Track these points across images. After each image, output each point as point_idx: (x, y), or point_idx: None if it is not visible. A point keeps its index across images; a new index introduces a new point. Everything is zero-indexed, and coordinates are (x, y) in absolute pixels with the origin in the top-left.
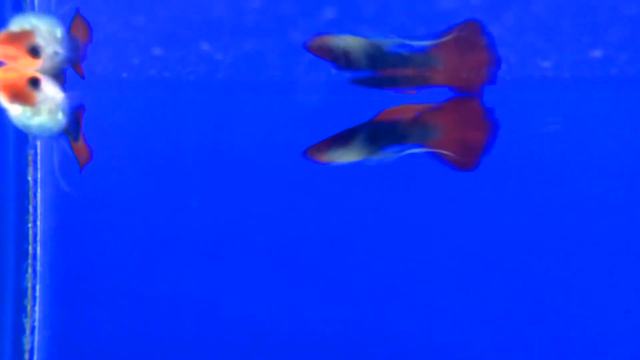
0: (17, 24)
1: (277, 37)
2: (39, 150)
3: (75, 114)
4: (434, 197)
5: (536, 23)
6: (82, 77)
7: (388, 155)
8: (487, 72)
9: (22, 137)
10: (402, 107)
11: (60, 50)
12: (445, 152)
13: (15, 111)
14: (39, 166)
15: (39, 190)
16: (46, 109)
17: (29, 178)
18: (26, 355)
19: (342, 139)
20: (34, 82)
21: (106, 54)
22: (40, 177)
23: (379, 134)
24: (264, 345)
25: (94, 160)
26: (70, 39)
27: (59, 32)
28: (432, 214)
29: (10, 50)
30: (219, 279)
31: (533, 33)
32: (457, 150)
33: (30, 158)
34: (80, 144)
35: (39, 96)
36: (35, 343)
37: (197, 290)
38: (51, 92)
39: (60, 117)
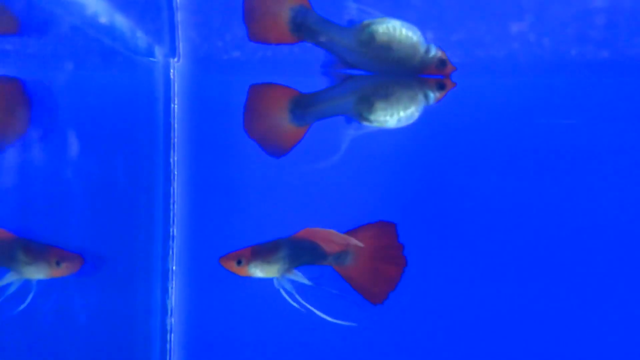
0: (434, 48)
1: None
2: (176, 134)
3: None
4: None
5: None
6: None
7: (297, 276)
8: None
9: (167, 123)
10: (326, 232)
11: None
12: (356, 280)
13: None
14: (176, 149)
15: (176, 173)
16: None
17: (171, 161)
18: (168, 336)
19: (264, 252)
20: (441, 86)
21: None
22: (177, 160)
23: (300, 251)
24: None
25: None
26: None
27: None
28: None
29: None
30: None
31: None
32: (369, 281)
33: (172, 142)
34: None
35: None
36: (173, 324)
37: None
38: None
39: None
